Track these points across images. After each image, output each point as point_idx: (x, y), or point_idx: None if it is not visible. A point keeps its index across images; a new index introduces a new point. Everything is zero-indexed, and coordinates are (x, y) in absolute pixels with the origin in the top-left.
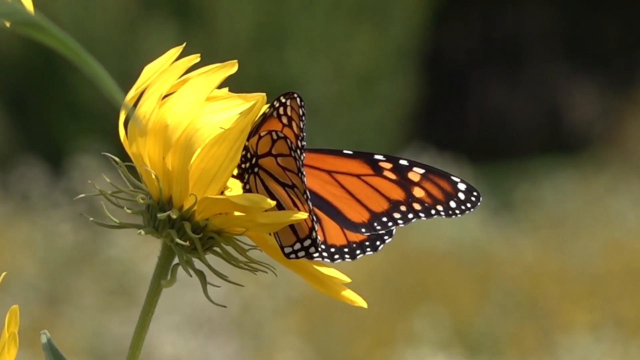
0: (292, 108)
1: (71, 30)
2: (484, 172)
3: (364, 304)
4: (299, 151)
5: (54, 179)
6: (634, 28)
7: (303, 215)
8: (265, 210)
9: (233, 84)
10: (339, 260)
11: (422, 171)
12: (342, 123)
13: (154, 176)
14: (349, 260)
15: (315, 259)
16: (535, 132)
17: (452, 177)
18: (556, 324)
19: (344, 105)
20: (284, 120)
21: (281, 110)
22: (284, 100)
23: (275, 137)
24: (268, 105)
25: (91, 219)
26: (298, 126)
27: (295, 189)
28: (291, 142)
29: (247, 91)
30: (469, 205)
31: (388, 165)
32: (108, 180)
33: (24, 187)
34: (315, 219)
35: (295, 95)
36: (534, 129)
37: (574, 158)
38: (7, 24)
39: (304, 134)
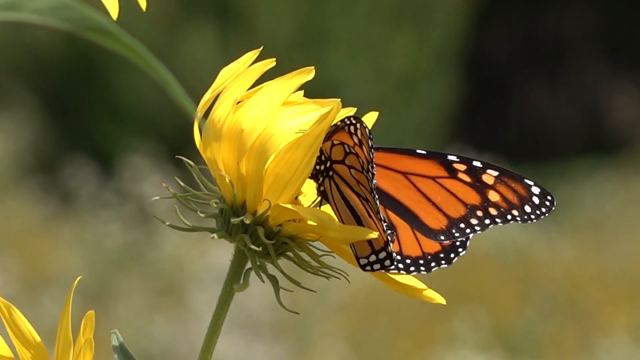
0: (362, 133)
1: None
2: (524, 174)
3: (443, 301)
4: (370, 174)
5: (96, 179)
6: None
7: (374, 234)
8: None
9: None
10: (415, 273)
11: (496, 173)
12: (382, 125)
13: (228, 181)
14: (424, 273)
15: (391, 271)
16: (576, 134)
17: (526, 180)
18: (596, 326)
19: (384, 107)
20: (355, 139)
21: (352, 128)
22: (354, 122)
23: (347, 150)
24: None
25: (167, 223)
26: (369, 153)
27: (368, 203)
28: (362, 162)
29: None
30: (543, 210)
31: (462, 167)
32: (169, 188)
33: (68, 188)
34: (391, 230)
35: (365, 125)
36: (574, 131)
37: (614, 160)
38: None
39: (374, 163)
